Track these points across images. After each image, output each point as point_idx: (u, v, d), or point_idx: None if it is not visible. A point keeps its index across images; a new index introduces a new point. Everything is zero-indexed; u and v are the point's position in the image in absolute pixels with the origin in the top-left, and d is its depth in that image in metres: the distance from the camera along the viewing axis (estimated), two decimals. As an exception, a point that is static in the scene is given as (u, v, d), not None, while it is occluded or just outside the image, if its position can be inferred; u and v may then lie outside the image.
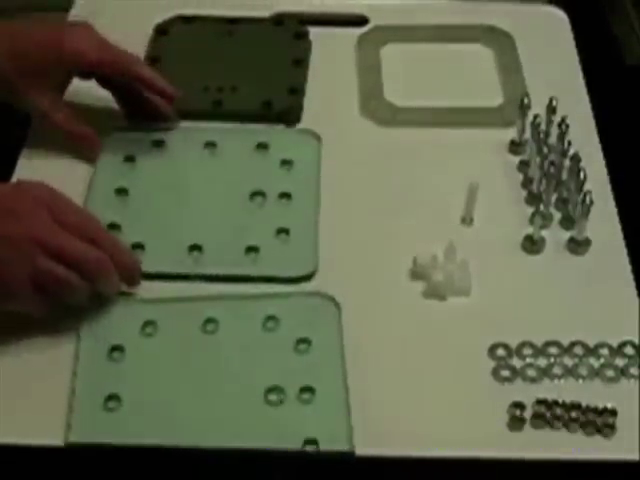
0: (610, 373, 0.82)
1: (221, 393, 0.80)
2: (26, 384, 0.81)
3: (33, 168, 0.97)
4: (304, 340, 0.83)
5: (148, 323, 0.84)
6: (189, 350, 0.83)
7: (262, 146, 1.00)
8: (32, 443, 0.77)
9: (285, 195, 0.95)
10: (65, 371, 0.81)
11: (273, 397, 0.79)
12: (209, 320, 0.84)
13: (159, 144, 1.00)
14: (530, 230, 0.91)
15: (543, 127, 0.98)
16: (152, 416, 0.79)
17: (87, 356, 0.82)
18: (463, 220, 0.93)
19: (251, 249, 0.90)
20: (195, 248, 0.90)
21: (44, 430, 0.78)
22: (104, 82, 0.99)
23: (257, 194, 0.95)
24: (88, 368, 0.81)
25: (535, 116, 0.98)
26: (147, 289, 0.87)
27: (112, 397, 0.79)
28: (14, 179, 0.96)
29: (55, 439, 0.77)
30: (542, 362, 0.83)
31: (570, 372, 0.82)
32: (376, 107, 1.05)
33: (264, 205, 0.94)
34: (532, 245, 0.91)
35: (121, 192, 0.95)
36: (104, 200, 0.94)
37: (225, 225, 0.92)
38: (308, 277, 0.88)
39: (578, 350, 0.83)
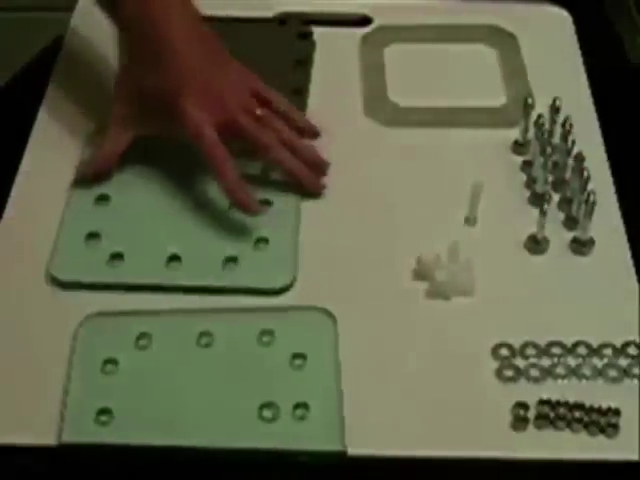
0: (613, 373, 0.82)
1: (214, 408, 0.79)
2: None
3: (32, 170, 0.98)
4: (299, 355, 0.83)
5: (142, 335, 0.84)
6: (183, 363, 0.82)
7: None
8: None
9: (265, 202, 0.94)
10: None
11: (267, 413, 0.79)
12: (204, 333, 0.84)
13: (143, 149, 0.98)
14: (533, 230, 0.91)
15: (547, 127, 0.98)
16: (143, 431, 0.78)
17: (80, 369, 0.81)
18: (467, 220, 0.93)
19: (229, 260, 0.89)
20: (174, 259, 0.89)
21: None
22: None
23: None
24: (80, 381, 0.81)
25: (539, 116, 0.98)
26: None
27: (104, 411, 0.79)
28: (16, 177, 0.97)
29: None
30: (545, 362, 0.83)
31: (573, 372, 0.82)
32: (380, 107, 1.05)
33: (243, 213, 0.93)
34: (535, 245, 0.91)
35: (102, 199, 0.94)
36: (84, 208, 0.94)
37: (204, 234, 0.91)
38: (286, 288, 0.88)
39: (581, 350, 0.83)
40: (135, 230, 0.92)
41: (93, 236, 0.91)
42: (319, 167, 0.96)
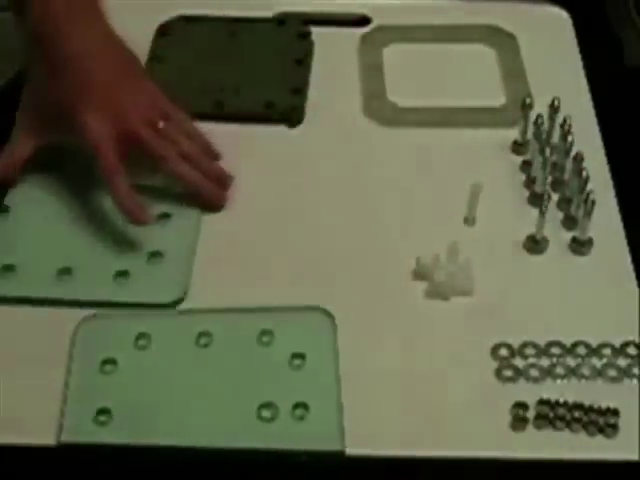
0: (613, 373, 0.82)
1: (213, 408, 0.79)
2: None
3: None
4: (299, 355, 0.83)
5: (141, 335, 0.84)
6: (182, 364, 0.82)
7: None
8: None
9: (164, 215, 0.94)
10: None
11: (266, 413, 0.79)
12: (203, 333, 0.84)
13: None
14: (533, 230, 0.91)
15: (546, 127, 0.98)
16: (142, 431, 0.78)
17: (79, 369, 0.81)
18: (466, 220, 0.93)
19: (121, 273, 0.89)
20: (65, 272, 0.89)
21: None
22: None
23: None
24: (79, 381, 0.81)
25: (538, 116, 0.98)
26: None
27: (103, 411, 0.79)
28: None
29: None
30: (545, 362, 0.83)
31: (573, 372, 0.82)
32: (379, 107, 1.05)
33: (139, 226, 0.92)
34: (535, 245, 0.91)
35: (0, 211, 0.94)
36: None
37: (99, 248, 0.91)
38: (176, 303, 0.87)
39: (581, 350, 0.83)
40: (30, 242, 0.91)
41: None
42: (221, 180, 0.95)
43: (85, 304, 0.86)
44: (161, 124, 0.93)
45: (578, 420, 0.78)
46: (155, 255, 0.90)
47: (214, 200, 0.94)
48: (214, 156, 0.97)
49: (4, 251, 0.90)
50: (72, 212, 0.94)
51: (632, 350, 0.83)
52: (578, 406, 0.79)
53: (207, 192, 0.94)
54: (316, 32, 1.12)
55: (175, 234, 0.92)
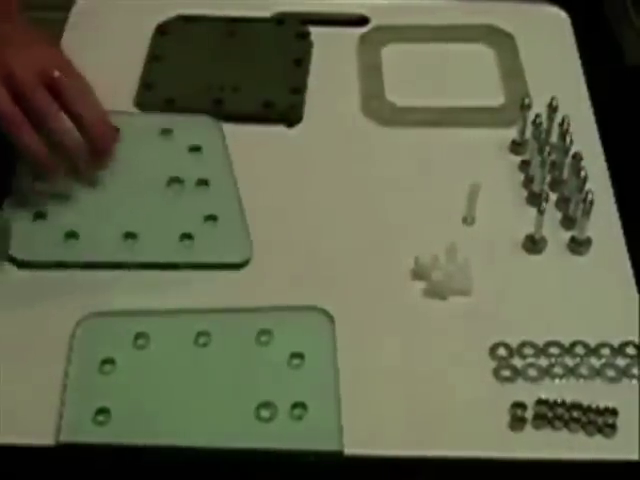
0: (611, 373, 0.82)
1: (212, 408, 0.79)
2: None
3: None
4: (297, 355, 0.83)
5: (140, 335, 0.84)
6: (181, 363, 0.82)
7: (166, 132, 1.00)
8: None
9: (203, 182, 0.95)
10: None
11: (265, 413, 0.79)
12: (201, 333, 0.84)
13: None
14: (531, 229, 0.91)
15: (544, 126, 0.98)
16: (141, 430, 0.78)
17: (78, 368, 0.81)
18: (464, 220, 0.93)
19: (185, 236, 0.90)
20: (129, 236, 0.90)
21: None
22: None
23: (174, 181, 0.95)
24: (78, 381, 0.81)
25: (536, 115, 0.98)
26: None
27: (102, 411, 0.79)
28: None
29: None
30: (543, 362, 0.83)
31: (571, 372, 0.82)
32: (377, 107, 1.05)
33: (183, 192, 0.95)
34: (533, 245, 0.91)
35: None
36: (30, 189, 0.94)
37: (153, 212, 0.93)
38: (245, 263, 0.89)
39: (579, 350, 0.83)
40: (85, 208, 0.92)
41: (40, 216, 0.91)
42: (101, 139, 0.91)
43: (153, 266, 0.88)
44: (56, 73, 0.89)
45: (577, 420, 0.78)
46: (211, 218, 0.92)
47: (79, 168, 0.92)
48: (112, 129, 0.94)
49: (59, 218, 0.91)
50: (115, 179, 0.94)
51: (631, 350, 0.83)
52: (577, 406, 0.79)
53: (74, 160, 0.91)
54: (315, 32, 1.12)
55: (220, 199, 0.94)
